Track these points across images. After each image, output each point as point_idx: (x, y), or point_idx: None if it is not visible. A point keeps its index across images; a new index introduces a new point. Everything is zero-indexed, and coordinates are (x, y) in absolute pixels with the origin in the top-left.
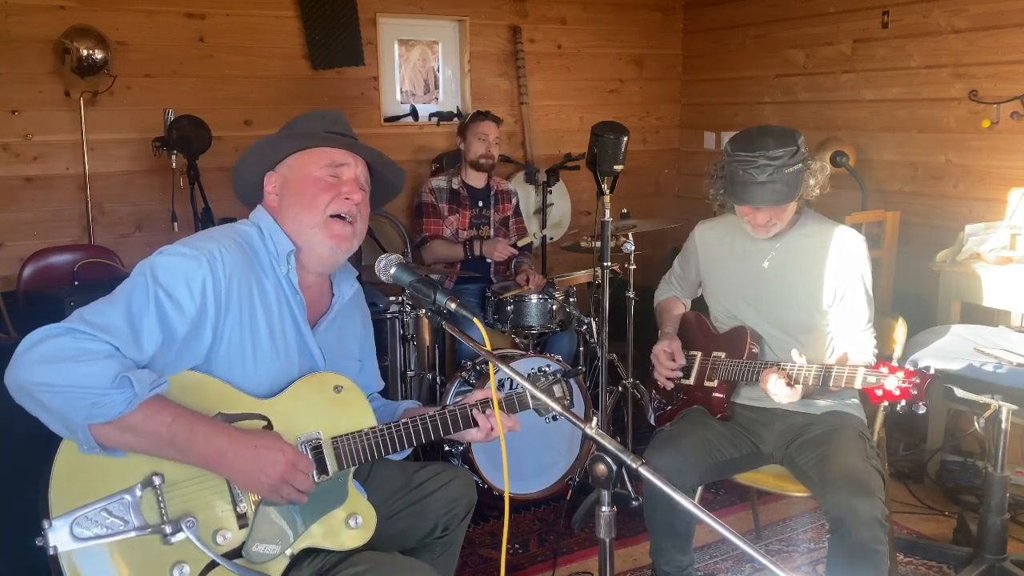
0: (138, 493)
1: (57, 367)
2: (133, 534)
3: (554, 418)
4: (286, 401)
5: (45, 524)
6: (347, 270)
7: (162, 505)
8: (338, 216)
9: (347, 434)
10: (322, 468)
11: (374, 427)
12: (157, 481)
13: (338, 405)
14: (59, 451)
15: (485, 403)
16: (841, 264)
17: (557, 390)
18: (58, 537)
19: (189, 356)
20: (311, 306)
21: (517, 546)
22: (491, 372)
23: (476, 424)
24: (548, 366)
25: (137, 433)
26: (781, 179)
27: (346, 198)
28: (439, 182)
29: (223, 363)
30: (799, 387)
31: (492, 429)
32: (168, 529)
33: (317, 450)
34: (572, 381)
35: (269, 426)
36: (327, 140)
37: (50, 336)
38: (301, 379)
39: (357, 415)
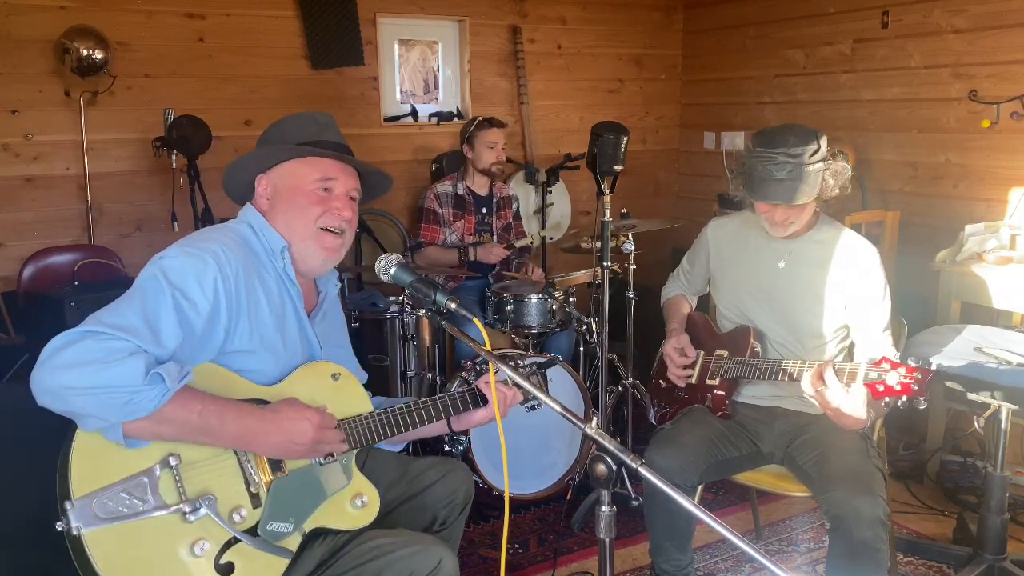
0: (156, 473)
1: (86, 370)
2: (154, 513)
3: (533, 407)
4: (289, 388)
5: (67, 505)
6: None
7: (180, 485)
8: (328, 229)
9: (349, 418)
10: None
11: (372, 411)
12: (174, 462)
13: (337, 391)
14: (76, 434)
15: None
16: (852, 273)
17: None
18: (80, 518)
19: (204, 353)
20: (304, 298)
21: (517, 546)
22: (491, 372)
23: (485, 402)
24: (521, 358)
25: (170, 424)
26: (800, 177)
27: (336, 213)
28: (445, 187)
29: (233, 356)
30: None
31: (502, 400)
32: (187, 508)
33: None
34: (571, 378)
35: None
36: (319, 153)
37: (73, 340)
38: (301, 367)
39: (355, 401)
